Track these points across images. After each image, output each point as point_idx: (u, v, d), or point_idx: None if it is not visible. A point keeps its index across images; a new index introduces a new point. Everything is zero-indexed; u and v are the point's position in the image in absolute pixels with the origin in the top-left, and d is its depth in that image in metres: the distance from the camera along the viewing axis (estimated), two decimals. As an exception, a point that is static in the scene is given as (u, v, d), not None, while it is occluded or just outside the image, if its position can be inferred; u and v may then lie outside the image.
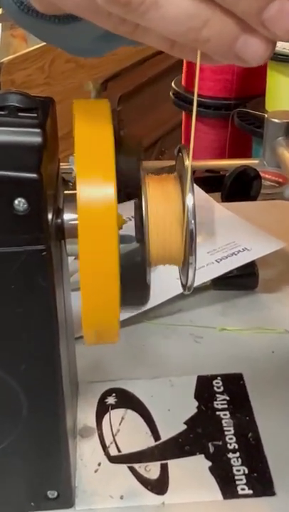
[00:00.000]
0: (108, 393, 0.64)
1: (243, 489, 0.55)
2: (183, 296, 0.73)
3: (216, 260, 0.77)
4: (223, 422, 0.61)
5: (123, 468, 0.57)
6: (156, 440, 0.59)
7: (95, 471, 0.57)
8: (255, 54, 0.35)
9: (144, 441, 0.59)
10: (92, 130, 0.42)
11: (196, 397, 0.63)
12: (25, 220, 0.41)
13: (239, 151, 1.89)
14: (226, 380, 0.65)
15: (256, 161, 1.16)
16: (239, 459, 0.57)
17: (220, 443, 0.59)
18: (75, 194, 0.40)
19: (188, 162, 0.45)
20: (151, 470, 0.56)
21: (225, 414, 0.61)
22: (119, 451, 0.58)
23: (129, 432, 0.60)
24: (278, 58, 1.59)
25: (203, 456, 0.58)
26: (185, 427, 0.60)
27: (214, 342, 0.71)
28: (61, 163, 0.51)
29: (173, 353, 0.70)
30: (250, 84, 1.83)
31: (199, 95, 1.92)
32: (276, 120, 1.14)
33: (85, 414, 0.62)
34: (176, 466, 0.57)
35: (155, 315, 0.74)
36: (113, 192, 0.40)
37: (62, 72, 2.10)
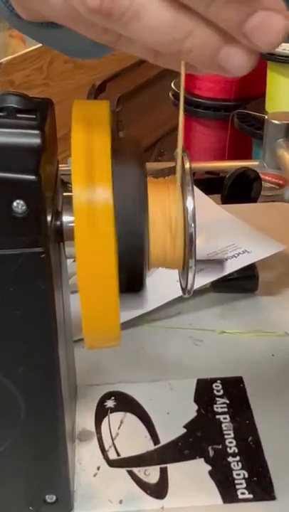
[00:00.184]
0: (107, 396, 0.64)
1: (243, 493, 0.54)
2: (182, 299, 0.73)
3: (216, 262, 0.76)
4: (223, 425, 0.60)
5: (122, 472, 0.56)
6: (155, 444, 0.59)
7: (94, 475, 0.56)
8: (238, 65, 0.35)
9: (143, 445, 0.59)
10: (89, 132, 0.41)
11: (196, 400, 0.63)
12: (24, 222, 0.41)
13: (239, 153, 1.89)
14: (226, 383, 0.65)
15: (256, 163, 1.16)
16: (239, 463, 0.57)
17: (220, 447, 0.58)
18: (73, 197, 0.40)
19: (187, 166, 0.44)
20: (151, 474, 0.56)
21: (225, 418, 0.61)
22: (118, 455, 0.58)
23: (128, 436, 0.60)
24: (278, 59, 1.59)
25: (202, 460, 0.57)
26: (184, 430, 0.60)
27: (214, 345, 0.71)
28: (60, 165, 0.51)
29: (172, 356, 0.70)
30: (249, 86, 1.83)
31: (199, 96, 1.92)
32: (276, 121, 1.14)
33: (84, 418, 0.61)
34: (176, 470, 0.56)
35: (154, 318, 0.74)
36: (110, 194, 0.40)
37: (61, 72, 2.10)
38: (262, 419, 0.61)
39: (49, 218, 0.42)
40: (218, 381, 0.65)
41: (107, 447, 0.59)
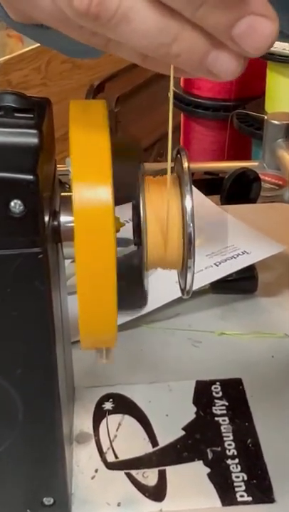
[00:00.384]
0: (105, 398, 0.63)
1: (242, 496, 0.54)
2: (181, 300, 0.73)
3: (215, 263, 0.76)
4: (222, 427, 0.60)
5: (120, 474, 0.56)
6: (154, 446, 0.58)
7: (92, 478, 0.56)
8: (227, 69, 0.35)
9: (141, 447, 0.58)
10: (88, 132, 0.41)
11: (195, 402, 0.63)
12: (21, 222, 0.40)
13: (238, 153, 1.89)
14: (225, 385, 0.65)
15: (256, 163, 1.16)
16: (238, 466, 0.56)
17: (219, 449, 0.58)
18: (71, 196, 0.40)
19: (186, 165, 0.44)
20: (149, 476, 0.56)
21: (224, 420, 0.61)
22: (116, 457, 0.58)
23: (126, 438, 0.59)
24: (278, 59, 1.59)
25: (201, 462, 0.57)
26: (183, 432, 0.60)
27: (213, 346, 0.71)
28: (58, 165, 0.51)
29: (171, 358, 0.69)
30: (249, 86, 1.83)
31: (199, 96, 1.92)
32: (276, 122, 1.14)
33: (82, 420, 0.61)
34: (174, 473, 0.56)
35: (153, 319, 0.73)
36: (110, 194, 0.39)
37: (59, 72, 2.09)
38: (261, 421, 0.61)
39: (47, 218, 0.42)
40: (218, 383, 0.65)
41: (105, 449, 0.58)
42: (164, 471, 0.56)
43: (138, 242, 0.44)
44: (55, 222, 0.44)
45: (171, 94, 0.41)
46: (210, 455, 0.57)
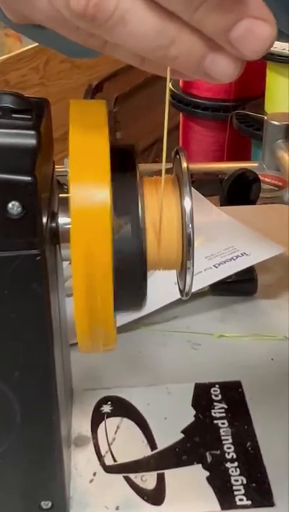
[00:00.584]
0: (104, 401, 0.63)
1: (241, 500, 0.54)
2: (180, 302, 0.72)
3: (214, 265, 0.76)
4: (221, 430, 0.60)
5: (119, 478, 0.56)
6: (152, 449, 0.58)
7: (90, 481, 0.56)
8: (224, 72, 0.35)
9: (140, 450, 0.58)
10: (87, 132, 0.41)
11: (194, 405, 0.63)
12: (19, 223, 0.40)
13: (238, 154, 1.88)
14: (224, 387, 0.64)
15: (255, 164, 1.16)
16: (237, 469, 0.56)
17: (218, 452, 0.58)
18: (69, 197, 0.39)
19: (185, 165, 0.44)
20: (148, 480, 0.56)
21: (223, 423, 0.60)
22: (114, 460, 0.57)
23: (125, 441, 0.59)
24: (277, 59, 1.59)
25: (200, 465, 0.57)
26: (182, 435, 0.59)
27: (212, 349, 0.70)
28: (56, 166, 0.50)
29: (170, 360, 0.69)
30: (249, 86, 1.82)
31: (198, 97, 1.92)
32: (275, 122, 1.14)
33: (80, 423, 0.61)
34: (173, 476, 0.56)
35: (152, 321, 0.73)
36: (108, 195, 0.39)
37: (58, 72, 2.09)
38: (261, 424, 0.60)
39: (45, 220, 0.42)
40: (217, 385, 0.65)
41: (103, 453, 0.58)
42: (163, 474, 0.56)
43: (136, 243, 0.43)
44: (53, 224, 0.44)
45: (167, 97, 0.40)
46: (209, 458, 0.57)
